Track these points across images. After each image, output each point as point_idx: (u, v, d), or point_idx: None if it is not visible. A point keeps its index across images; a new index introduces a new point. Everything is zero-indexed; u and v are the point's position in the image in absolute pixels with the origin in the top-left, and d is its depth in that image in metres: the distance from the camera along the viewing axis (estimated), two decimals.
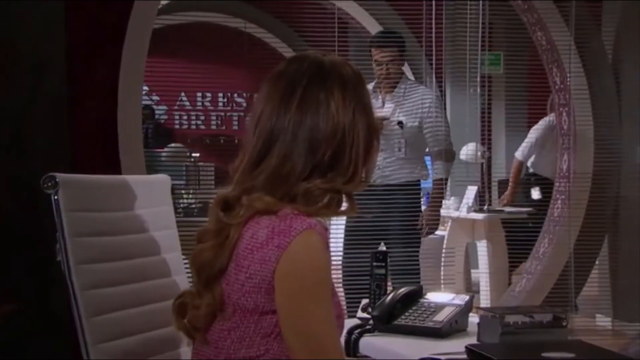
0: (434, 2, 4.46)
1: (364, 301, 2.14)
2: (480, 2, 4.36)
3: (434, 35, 4.53)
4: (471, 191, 5.23)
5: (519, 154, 5.62)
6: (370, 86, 3.92)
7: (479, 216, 5.12)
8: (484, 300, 5.23)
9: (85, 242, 1.55)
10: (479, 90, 4.77)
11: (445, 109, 6.15)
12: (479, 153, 5.24)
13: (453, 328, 1.98)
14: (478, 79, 4.40)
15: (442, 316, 1.99)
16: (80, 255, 1.53)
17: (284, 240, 1.26)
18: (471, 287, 5.59)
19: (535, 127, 5.59)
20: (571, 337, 1.92)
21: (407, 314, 2.02)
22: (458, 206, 5.32)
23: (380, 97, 4.06)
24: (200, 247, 1.35)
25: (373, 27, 5.85)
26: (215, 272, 1.32)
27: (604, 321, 4.69)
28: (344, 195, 1.37)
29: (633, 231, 4.62)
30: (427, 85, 5.34)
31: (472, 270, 5.71)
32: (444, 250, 5.32)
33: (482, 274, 5.24)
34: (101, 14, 2.99)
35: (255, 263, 1.28)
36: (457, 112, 6.18)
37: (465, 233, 5.29)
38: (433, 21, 4.50)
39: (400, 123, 3.98)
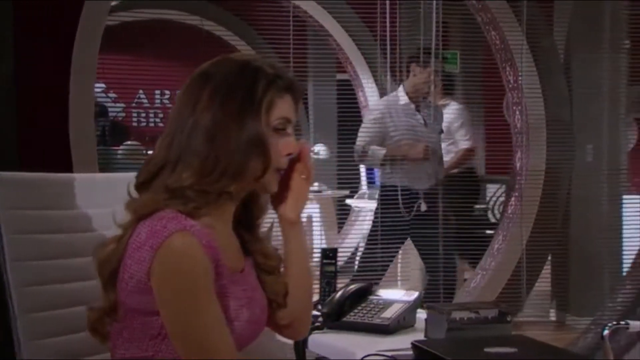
0: (388, 2, 4.49)
1: (314, 298, 2.16)
2: (434, 1, 4.40)
3: (388, 34, 4.57)
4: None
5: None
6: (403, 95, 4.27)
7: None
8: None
9: (23, 240, 1.54)
10: (432, 88, 4.81)
11: None
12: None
13: (401, 324, 2.01)
14: (432, 77, 4.43)
15: (390, 313, 2.02)
16: (16, 252, 1.52)
17: (157, 241, 1.25)
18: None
19: None
20: (515, 332, 1.95)
21: (355, 310, 2.04)
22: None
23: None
24: (102, 244, 1.34)
25: (331, 26, 5.87)
26: (111, 271, 1.30)
27: (556, 316, 4.78)
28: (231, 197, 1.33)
29: (584, 227, 4.72)
30: (383, 83, 5.40)
31: None
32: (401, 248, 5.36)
33: None
34: (50, 11, 2.96)
35: (135, 263, 1.27)
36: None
37: None
38: (387, 20, 4.53)
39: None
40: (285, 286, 1.43)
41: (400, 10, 4.73)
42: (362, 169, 5.61)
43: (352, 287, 2.09)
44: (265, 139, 1.32)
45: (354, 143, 6.53)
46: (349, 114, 6.52)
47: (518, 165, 4.86)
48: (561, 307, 4.79)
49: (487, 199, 6.11)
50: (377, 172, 5.74)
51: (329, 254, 2.15)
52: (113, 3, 3.99)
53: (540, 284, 4.92)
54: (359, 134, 4.44)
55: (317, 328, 2.00)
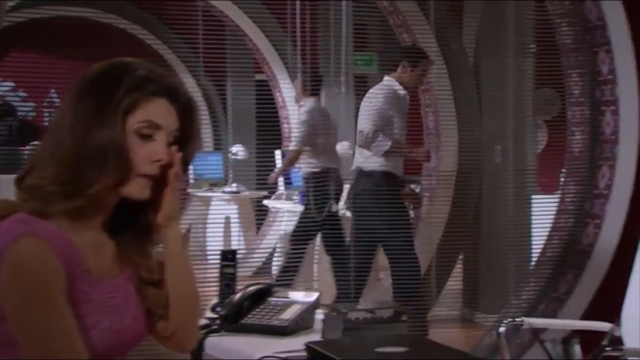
0: (298, 2, 4.50)
1: (214, 301, 2.14)
2: (344, 2, 4.43)
3: (298, 34, 4.58)
4: (346, 188, 5.30)
5: None
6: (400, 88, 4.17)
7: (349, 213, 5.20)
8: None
9: None
10: (342, 89, 4.86)
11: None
12: (352, 152, 5.31)
13: (299, 325, 2.01)
14: (342, 78, 4.46)
15: (288, 314, 2.01)
16: None
17: (1, 244, 1.22)
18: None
19: None
20: (408, 331, 1.98)
21: (254, 312, 2.02)
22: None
23: None
24: None
25: (247, 26, 5.85)
26: None
27: (467, 313, 4.88)
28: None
29: (494, 227, 4.83)
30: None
31: None
32: (316, 248, 5.39)
33: None
34: None
35: None
36: (332, 112, 6.26)
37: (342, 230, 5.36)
38: (298, 20, 4.54)
39: None
40: (165, 297, 1.39)
41: (310, 10, 4.75)
42: (280, 170, 5.59)
43: (251, 288, 2.08)
44: (121, 142, 1.28)
45: (273, 144, 6.55)
46: (268, 114, 6.52)
47: (431, 166, 4.94)
48: (471, 305, 4.89)
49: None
50: (295, 173, 5.75)
51: (228, 256, 2.13)
52: (11, 3, 3.87)
53: (453, 282, 5.02)
54: (372, 119, 4.13)
55: (214, 331, 1.98)
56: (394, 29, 4.86)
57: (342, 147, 5.38)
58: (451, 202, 4.86)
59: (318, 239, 5.44)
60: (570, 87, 4.04)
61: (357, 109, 6.88)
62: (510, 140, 4.78)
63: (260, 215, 6.59)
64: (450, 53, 4.81)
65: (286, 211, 5.90)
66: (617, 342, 2.40)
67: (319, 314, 2.05)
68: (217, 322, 2.00)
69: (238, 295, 2.04)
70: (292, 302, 2.06)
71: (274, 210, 6.09)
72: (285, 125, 6.28)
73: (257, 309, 2.04)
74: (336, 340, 1.86)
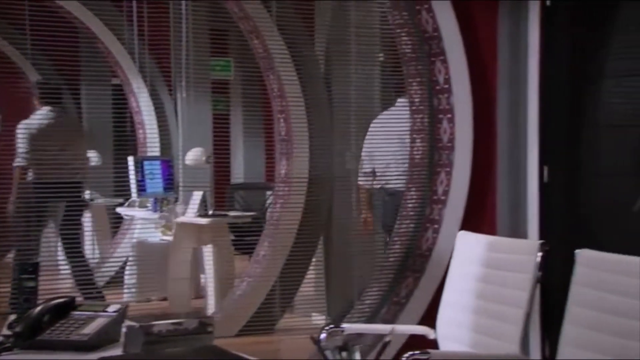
0: (134, 3, 4.39)
1: (12, 317, 2.03)
2: (183, 4, 4.36)
3: (136, 35, 4.47)
4: (196, 196, 5.23)
5: None
6: None
7: (203, 221, 5.14)
8: (210, 305, 5.27)
9: None
10: (181, 94, 4.80)
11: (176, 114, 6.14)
12: (204, 158, 5.26)
13: (103, 339, 1.94)
14: (182, 83, 4.40)
15: (90, 328, 1.94)
16: None
17: None
18: (200, 293, 5.60)
19: None
20: (213, 343, 1.95)
21: (53, 328, 1.93)
22: (184, 211, 5.31)
23: None
24: None
25: (99, 28, 5.67)
26: None
27: (318, 319, 4.90)
28: None
29: (344, 233, 4.89)
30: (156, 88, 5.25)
31: (202, 275, 5.72)
32: (170, 256, 5.28)
33: (208, 279, 5.27)
34: None
35: None
36: (191, 117, 6.17)
37: (191, 238, 5.28)
38: (135, 22, 4.44)
39: None
40: None
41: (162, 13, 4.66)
42: (132, 176, 5.45)
43: (52, 303, 1.99)
44: None
45: (129, 150, 6.38)
46: (125, 120, 6.35)
47: (283, 172, 4.95)
48: (322, 310, 4.93)
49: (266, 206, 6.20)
50: (150, 181, 5.62)
51: (28, 269, 2.03)
52: None
53: (305, 288, 5.04)
54: None
55: (6, 349, 1.88)
56: (245, 34, 4.84)
57: (194, 154, 5.30)
58: (303, 208, 4.88)
59: (171, 246, 5.35)
60: (411, 95, 4.14)
61: (215, 114, 6.83)
62: (360, 147, 4.85)
63: (116, 223, 6.41)
64: (302, 60, 4.83)
65: (140, 219, 5.76)
66: (433, 346, 2.46)
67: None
68: (11, 339, 1.90)
69: (36, 310, 1.95)
70: (97, 316, 1.99)
71: (127, 218, 5.93)
72: (140, 131, 6.14)
73: (58, 324, 1.95)
74: (135, 354, 1.80)
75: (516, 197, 3.97)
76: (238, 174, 8.05)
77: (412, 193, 4.16)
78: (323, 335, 2.42)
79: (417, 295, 3.92)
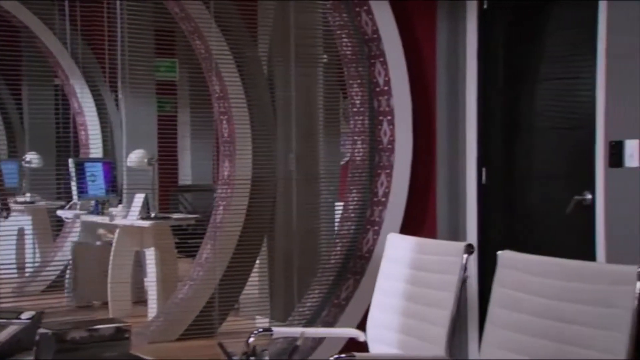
0: (67, 2, 4.31)
1: None
2: (118, 3, 4.29)
3: (68, 36, 4.38)
4: (139, 198, 5.16)
5: None
6: None
7: (145, 223, 5.07)
8: (152, 309, 5.19)
9: None
10: (124, 95, 4.72)
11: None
12: (146, 160, 5.18)
13: (15, 347, 1.88)
14: (120, 84, 4.33)
15: (2, 336, 1.88)
16: None
17: None
18: (143, 296, 5.51)
19: None
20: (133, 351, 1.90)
21: None
22: (126, 214, 5.22)
23: None
24: None
25: (38, 27, 5.55)
26: None
27: (262, 322, 4.86)
28: None
29: (288, 234, 4.86)
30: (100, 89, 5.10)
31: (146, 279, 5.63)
32: (111, 259, 5.20)
33: (150, 283, 5.20)
34: None
35: None
36: (134, 118, 6.08)
37: (133, 241, 5.20)
38: (67, 22, 4.35)
39: None
40: None
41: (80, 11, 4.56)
42: (73, 178, 5.35)
43: None
44: None
45: (71, 152, 6.25)
46: (67, 121, 6.22)
47: (226, 174, 4.90)
48: (266, 313, 4.89)
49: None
50: (92, 183, 5.52)
51: None
52: None
53: (251, 291, 5.00)
54: None
55: None
56: (187, 35, 4.78)
57: (136, 156, 5.22)
58: (247, 209, 4.83)
59: (113, 249, 5.27)
60: (352, 97, 4.13)
61: (162, 116, 6.73)
62: (304, 149, 4.83)
63: (59, 226, 6.29)
64: (245, 61, 4.79)
65: (81, 222, 5.66)
66: (363, 348, 2.45)
67: None
68: None
69: None
70: (9, 323, 1.93)
71: (68, 221, 5.82)
72: (83, 133, 6.03)
73: None
74: None
75: (455, 198, 3.99)
76: (186, 176, 7.97)
77: (354, 195, 4.15)
78: (251, 339, 2.39)
79: (357, 297, 3.91)
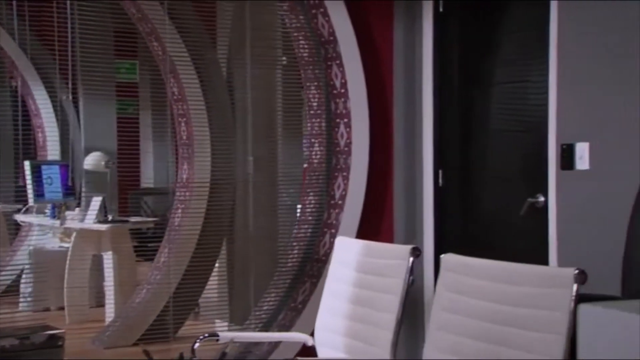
0: (14, 2, 4.23)
1: None
2: (68, 3, 4.22)
3: (16, 35, 4.31)
4: (96, 202, 5.09)
5: None
6: None
7: (103, 227, 5.00)
8: (110, 313, 5.13)
9: None
10: (69, 96, 4.65)
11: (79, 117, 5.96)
12: (103, 162, 5.11)
13: None
14: (70, 85, 4.26)
15: None
16: None
17: None
18: (102, 301, 5.43)
19: None
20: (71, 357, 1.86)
21: None
22: (83, 217, 5.15)
23: None
24: None
25: None
26: None
27: (221, 326, 4.82)
28: None
29: (246, 238, 4.83)
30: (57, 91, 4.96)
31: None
32: (67, 263, 5.12)
33: (108, 287, 5.13)
34: None
35: None
36: (93, 120, 6.01)
37: (90, 245, 5.13)
38: (15, 20, 4.27)
39: None
40: None
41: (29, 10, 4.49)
42: (29, 181, 5.26)
43: None
44: None
45: (29, 154, 6.15)
46: (25, 123, 6.12)
47: (184, 176, 4.85)
48: (225, 317, 4.85)
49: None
50: (49, 186, 5.44)
51: None
52: None
53: (210, 294, 4.95)
54: None
55: None
56: (144, 36, 4.73)
57: (93, 158, 5.14)
58: (205, 212, 4.79)
59: (70, 253, 5.19)
60: (309, 99, 4.12)
61: (124, 118, 6.65)
62: (263, 151, 4.80)
63: (16, 230, 6.19)
64: (203, 62, 4.75)
65: (37, 225, 5.57)
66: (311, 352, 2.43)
67: None
68: None
69: None
70: None
71: (24, 224, 5.72)
72: (40, 135, 5.93)
73: None
74: None
75: (412, 200, 3.99)
76: (148, 179, 7.89)
77: (311, 198, 4.13)
78: (197, 345, 2.36)
79: (313, 300, 3.88)
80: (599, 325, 0.81)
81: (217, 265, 4.97)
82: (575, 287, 1.65)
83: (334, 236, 3.97)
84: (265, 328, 3.95)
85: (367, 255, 2.29)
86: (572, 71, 3.18)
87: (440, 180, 3.91)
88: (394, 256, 2.20)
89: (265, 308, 4.08)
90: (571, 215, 3.18)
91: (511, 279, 1.78)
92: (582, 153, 3.14)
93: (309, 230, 4.08)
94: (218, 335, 2.38)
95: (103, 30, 5.45)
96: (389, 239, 3.98)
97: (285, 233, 4.52)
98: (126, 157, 6.22)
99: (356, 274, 2.29)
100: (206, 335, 2.37)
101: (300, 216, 4.15)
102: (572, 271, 1.66)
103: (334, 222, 3.98)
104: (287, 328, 3.86)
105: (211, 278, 4.95)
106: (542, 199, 3.34)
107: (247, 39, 4.40)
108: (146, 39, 4.75)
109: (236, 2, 4.59)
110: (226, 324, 4.86)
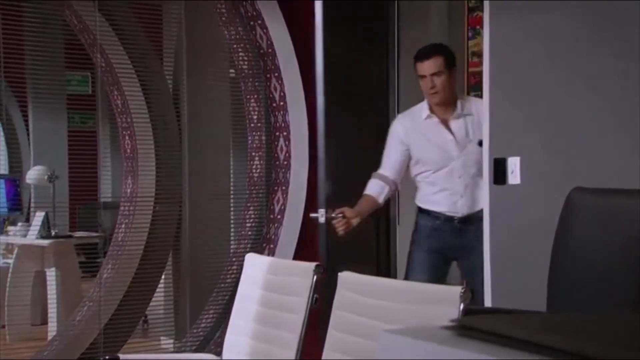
0: None
1: None
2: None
3: None
4: (39, 216, 4.97)
5: None
6: (424, 111, 3.32)
7: (44, 242, 4.88)
8: (53, 331, 5.00)
9: None
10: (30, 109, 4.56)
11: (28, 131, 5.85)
12: (46, 176, 5.00)
13: None
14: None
15: None
16: None
17: None
18: (47, 318, 5.30)
19: None
20: None
21: None
22: (26, 232, 5.03)
23: (437, 118, 3.34)
24: None
25: None
26: None
27: (167, 343, 4.72)
28: None
29: (189, 253, 4.73)
30: None
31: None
32: (9, 280, 4.99)
33: (50, 304, 5.01)
34: None
35: None
36: (42, 133, 5.90)
37: (33, 261, 5.01)
38: None
39: (481, 142, 3.21)
40: None
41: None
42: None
43: None
44: None
45: None
46: None
47: (128, 191, 4.74)
48: (171, 334, 4.74)
49: None
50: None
51: None
52: None
53: (158, 310, 4.85)
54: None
55: None
56: (86, 47, 4.63)
57: (36, 172, 5.03)
58: (150, 226, 4.68)
59: (11, 270, 5.07)
60: (249, 112, 4.05)
61: (72, 131, 6.53)
62: (211, 164, 4.71)
63: None
64: (148, 74, 4.66)
65: None
66: None
67: None
68: None
69: None
70: None
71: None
72: None
73: None
74: None
75: None
76: (106, 193, 7.76)
77: (250, 212, 4.05)
78: None
79: None
80: (396, 353, 0.75)
81: (162, 280, 4.87)
82: (462, 305, 1.58)
83: (272, 252, 3.89)
84: (202, 346, 3.85)
85: (273, 273, 2.21)
86: (504, 84, 3.13)
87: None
88: (297, 274, 2.12)
89: (202, 325, 3.99)
90: (503, 229, 3.13)
91: (401, 297, 1.70)
92: (514, 167, 3.09)
93: (249, 245, 4.00)
94: (119, 358, 2.29)
95: (52, 41, 5.36)
96: None
97: (224, 248, 4.44)
98: (79, 170, 6.10)
99: (262, 292, 2.21)
100: (106, 357, 2.28)
101: (240, 231, 4.07)
102: (458, 289, 1.59)
103: (273, 236, 3.91)
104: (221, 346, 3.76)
105: (159, 294, 4.85)
106: None
107: (183, 50, 4.32)
108: (88, 50, 4.66)
109: (177, 14, 4.52)
110: (171, 341, 4.76)
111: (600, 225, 2.44)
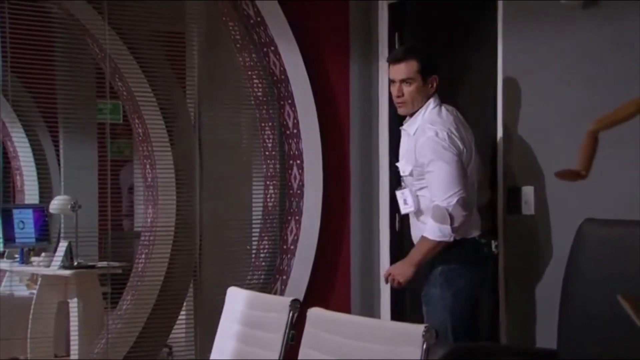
0: None
1: None
2: None
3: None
4: (62, 246, 4.95)
5: None
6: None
7: (66, 272, 4.85)
8: None
9: None
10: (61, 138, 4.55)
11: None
12: (69, 206, 4.98)
13: None
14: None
15: None
16: None
17: None
18: (69, 350, 5.26)
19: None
20: None
21: None
22: (49, 262, 5.01)
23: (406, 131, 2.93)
24: None
25: None
26: None
27: None
28: None
29: (209, 283, 4.64)
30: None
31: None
32: (32, 311, 4.97)
33: (72, 334, 4.96)
34: None
35: None
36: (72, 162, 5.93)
37: (56, 291, 4.98)
38: None
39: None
40: None
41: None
42: None
43: None
44: None
45: (7, 197, 6.10)
46: (4, 166, 6.07)
47: (149, 220, 4.70)
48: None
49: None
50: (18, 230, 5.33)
51: None
52: None
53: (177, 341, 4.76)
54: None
55: None
56: (107, 76, 4.63)
57: (59, 202, 5.02)
58: (170, 255, 4.62)
59: (35, 300, 5.05)
60: (263, 140, 3.96)
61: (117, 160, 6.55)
62: (230, 194, 4.63)
63: None
64: (169, 103, 4.63)
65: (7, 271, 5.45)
66: None
67: None
68: None
69: None
70: None
71: None
72: (18, 178, 5.87)
73: None
74: None
75: (369, 246, 3.78)
76: (138, 222, 7.76)
77: (265, 242, 3.94)
78: None
79: None
80: None
81: (184, 310, 4.79)
82: (425, 346, 1.44)
83: (285, 283, 3.77)
84: None
85: (251, 307, 2.09)
86: (519, 109, 2.98)
87: (396, 225, 3.70)
88: (274, 309, 2.00)
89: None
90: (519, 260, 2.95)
91: (364, 336, 1.57)
92: (528, 197, 2.92)
93: (262, 276, 3.89)
94: None
95: (83, 69, 5.39)
96: (345, 286, 3.77)
97: (242, 279, 4.33)
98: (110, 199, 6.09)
99: (240, 327, 2.09)
100: None
101: (254, 262, 3.96)
102: (421, 328, 1.45)
103: (286, 268, 3.79)
104: None
105: (181, 324, 4.77)
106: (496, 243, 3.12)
107: (195, 78, 4.27)
108: (110, 79, 4.66)
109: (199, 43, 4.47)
110: None
111: (611, 256, 2.29)
